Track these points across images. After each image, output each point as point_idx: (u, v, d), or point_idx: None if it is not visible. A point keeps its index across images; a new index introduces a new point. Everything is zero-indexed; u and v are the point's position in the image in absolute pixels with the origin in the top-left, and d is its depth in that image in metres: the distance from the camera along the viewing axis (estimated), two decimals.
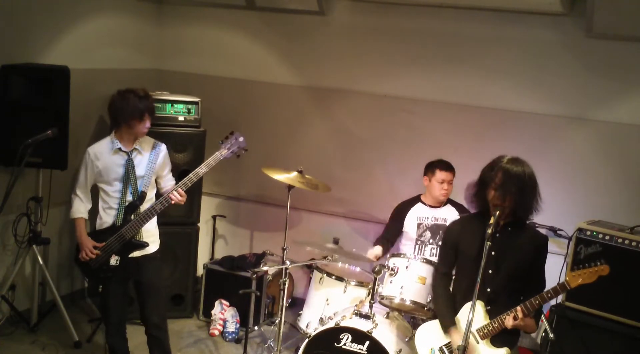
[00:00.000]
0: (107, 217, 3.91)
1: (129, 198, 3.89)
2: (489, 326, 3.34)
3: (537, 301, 3.26)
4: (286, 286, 4.37)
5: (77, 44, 4.98)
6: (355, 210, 5.39)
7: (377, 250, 4.57)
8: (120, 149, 3.88)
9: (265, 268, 4.80)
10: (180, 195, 3.88)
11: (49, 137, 4.01)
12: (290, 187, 4.47)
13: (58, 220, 5.10)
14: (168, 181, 4.14)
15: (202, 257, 5.53)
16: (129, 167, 3.89)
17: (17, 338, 4.62)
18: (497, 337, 3.36)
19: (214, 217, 5.63)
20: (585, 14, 4.45)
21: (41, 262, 4.66)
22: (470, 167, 4.72)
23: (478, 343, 3.36)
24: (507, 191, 3.28)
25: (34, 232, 4.63)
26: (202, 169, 3.90)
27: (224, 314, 5.07)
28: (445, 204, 4.70)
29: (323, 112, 5.43)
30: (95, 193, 4.00)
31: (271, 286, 5.30)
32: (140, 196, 3.90)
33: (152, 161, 3.94)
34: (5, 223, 4.60)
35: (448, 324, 3.48)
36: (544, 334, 4.35)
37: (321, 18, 5.31)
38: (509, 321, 3.28)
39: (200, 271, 5.41)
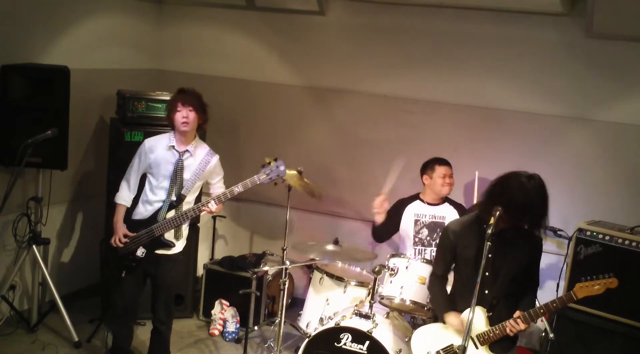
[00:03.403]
0: (142, 209, 4.04)
1: (173, 197, 3.99)
2: (490, 333, 3.34)
3: (541, 311, 3.26)
4: (286, 286, 4.37)
5: (77, 44, 4.98)
6: (355, 210, 5.38)
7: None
8: (173, 147, 4.01)
9: (265, 268, 4.81)
10: (214, 207, 3.99)
11: (49, 137, 4.01)
12: (290, 187, 4.47)
13: (58, 220, 5.11)
14: (217, 189, 4.21)
15: (202, 257, 5.53)
16: (179, 167, 4.00)
17: (17, 338, 4.62)
18: (495, 343, 3.36)
19: (214, 217, 5.62)
20: (585, 14, 4.44)
21: (41, 262, 4.66)
22: (470, 167, 4.75)
23: (477, 348, 3.36)
24: (522, 213, 3.23)
25: (34, 232, 4.63)
26: (237, 188, 3.97)
27: (224, 314, 5.07)
28: (443, 202, 4.70)
29: (323, 112, 5.43)
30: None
31: (271, 286, 5.30)
32: (179, 198, 3.99)
33: (200, 167, 4.04)
34: (5, 223, 4.60)
35: (445, 310, 3.45)
36: (544, 334, 4.35)
37: (321, 18, 5.31)
38: (515, 328, 3.27)
39: (200, 271, 5.40)
